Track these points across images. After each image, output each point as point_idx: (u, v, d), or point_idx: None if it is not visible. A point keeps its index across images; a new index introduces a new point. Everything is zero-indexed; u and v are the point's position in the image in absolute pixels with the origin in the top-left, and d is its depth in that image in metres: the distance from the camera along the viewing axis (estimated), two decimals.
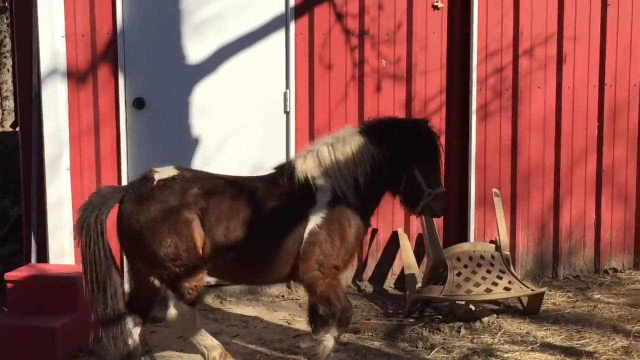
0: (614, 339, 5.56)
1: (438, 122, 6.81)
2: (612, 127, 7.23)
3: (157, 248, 4.41)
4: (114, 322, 4.48)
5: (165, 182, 4.50)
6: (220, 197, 4.51)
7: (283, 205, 4.58)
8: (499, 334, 5.65)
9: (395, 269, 6.83)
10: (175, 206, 4.43)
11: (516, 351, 5.33)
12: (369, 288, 6.79)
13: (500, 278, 6.02)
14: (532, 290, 6.06)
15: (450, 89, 6.88)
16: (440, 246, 6.16)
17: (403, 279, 6.52)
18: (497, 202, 6.59)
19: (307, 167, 4.60)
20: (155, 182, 4.50)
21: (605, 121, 7.19)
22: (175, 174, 4.56)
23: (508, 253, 6.37)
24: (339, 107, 6.62)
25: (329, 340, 4.62)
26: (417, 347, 5.42)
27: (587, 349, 5.37)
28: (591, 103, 7.16)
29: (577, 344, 5.49)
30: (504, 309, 6.24)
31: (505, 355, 5.26)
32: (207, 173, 4.74)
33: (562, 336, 5.64)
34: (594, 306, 6.31)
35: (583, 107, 7.14)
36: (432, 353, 5.30)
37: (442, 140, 6.77)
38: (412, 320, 5.96)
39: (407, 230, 6.78)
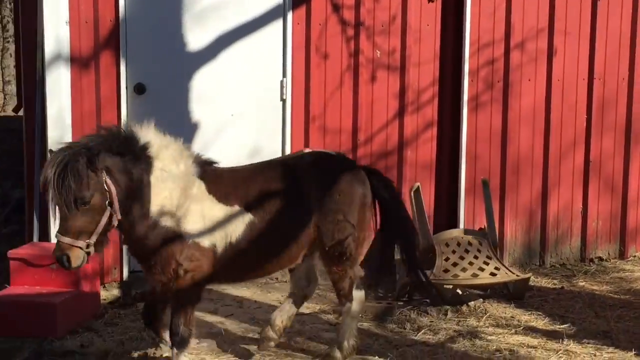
0: (595, 323, 5.77)
1: (431, 113, 7.02)
2: (601, 119, 7.42)
3: None
4: None
5: None
6: None
7: None
8: (484, 318, 5.86)
9: None
10: None
11: (500, 334, 5.54)
12: None
13: (487, 264, 6.23)
14: (517, 275, 6.26)
15: (443, 81, 7.06)
16: (429, 232, 6.34)
17: None
18: (486, 190, 6.77)
19: None
20: None
21: (594, 113, 7.38)
22: None
23: (496, 240, 6.56)
24: (334, 95, 6.79)
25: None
26: (405, 329, 5.63)
27: (568, 332, 5.57)
28: (580, 96, 7.35)
29: (559, 327, 5.69)
30: (490, 294, 6.43)
31: (490, 337, 5.46)
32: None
33: (545, 320, 5.84)
34: (578, 293, 6.52)
35: (572, 99, 7.33)
36: (419, 334, 5.50)
37: (435, 130, 7.07)
38: (401, 303, 6.16)
39: None
